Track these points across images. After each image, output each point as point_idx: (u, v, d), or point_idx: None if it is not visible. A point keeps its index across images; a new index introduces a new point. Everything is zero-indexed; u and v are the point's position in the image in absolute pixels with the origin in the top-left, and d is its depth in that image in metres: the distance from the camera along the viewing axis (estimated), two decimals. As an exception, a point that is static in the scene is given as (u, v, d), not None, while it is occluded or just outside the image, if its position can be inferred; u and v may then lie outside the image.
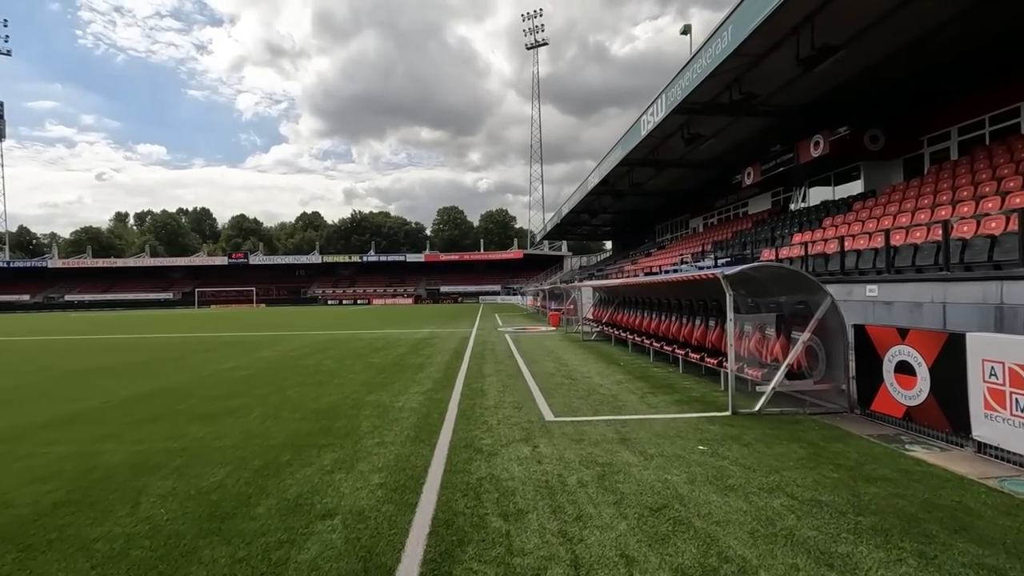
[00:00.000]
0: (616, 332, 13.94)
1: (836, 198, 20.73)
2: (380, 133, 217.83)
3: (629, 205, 37.39)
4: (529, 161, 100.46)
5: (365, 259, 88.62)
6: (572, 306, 22.97)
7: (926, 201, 13.43)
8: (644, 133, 21.36)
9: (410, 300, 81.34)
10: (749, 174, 23.42)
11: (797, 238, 16.83)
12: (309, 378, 9.63)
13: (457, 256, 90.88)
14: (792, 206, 24.72)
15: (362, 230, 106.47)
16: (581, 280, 37.52)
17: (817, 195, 22.53)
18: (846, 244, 12.86)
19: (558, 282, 48.43)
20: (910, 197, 14.48)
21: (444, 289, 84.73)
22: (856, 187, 19.83)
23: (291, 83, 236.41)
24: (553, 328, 21.47)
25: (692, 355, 8.86)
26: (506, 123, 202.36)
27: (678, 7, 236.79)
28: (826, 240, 14.49)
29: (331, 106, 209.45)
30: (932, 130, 17.21)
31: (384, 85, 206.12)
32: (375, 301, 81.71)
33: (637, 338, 12.10)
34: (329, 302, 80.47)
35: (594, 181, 30.97)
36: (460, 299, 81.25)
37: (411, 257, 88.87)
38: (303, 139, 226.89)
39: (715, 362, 8.00)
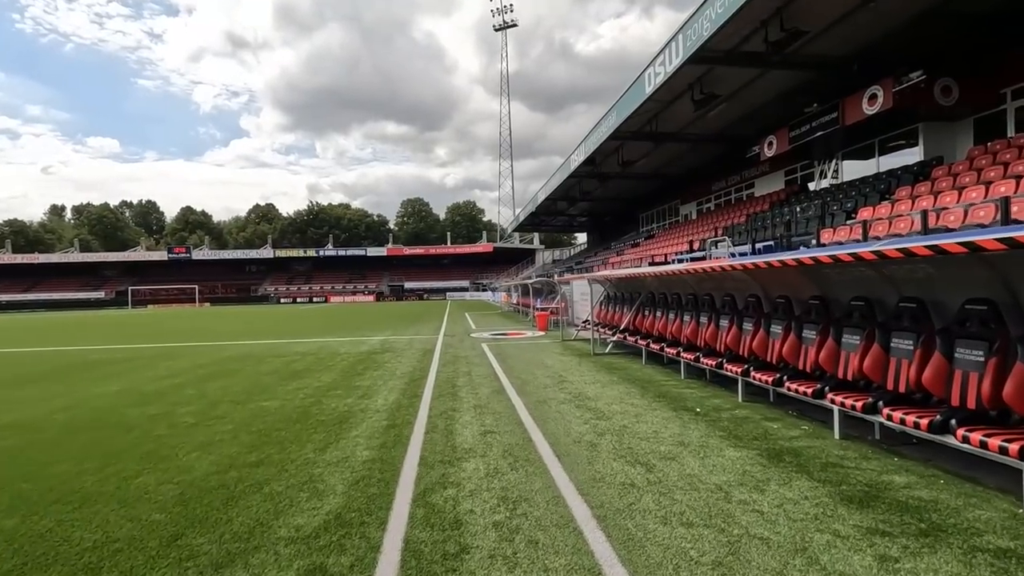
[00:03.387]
0: (647, 344, 9.61)
1: (881, 170, 17.03)
2: (345, 128, 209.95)
3: (611, 192, 33.45)
4: (498, 156, 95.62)
5: (322, 253, 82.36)
6: (562, 304, 18.64)
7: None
8: (649, 91, 17.17)
9: (371, 297, 75.84)
10: (771, 144, 19.50)
11: (864, 213, 12.89)
12: (104, 465, 5.00)
13: (422, 250, 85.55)
14: (813, 185, 21.06)
15: (320, 223, 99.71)
16: (562, 273, 33.27)
17: (851, 170, 18.82)
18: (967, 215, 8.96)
19: (533, 276, 44.16)
20: (1003, 161, 10.67)
21: (409, 285, 79.48)
22: (911, 156, 16.11)
23: (253, 75, 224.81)
24: (541, 332, 17.05)
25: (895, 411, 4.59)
26: (474, 119, 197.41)
27: (643, 6, 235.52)
28: (909, 215, 10.62)
29: (294, 100, 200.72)
30: (1021, 78, 13.52)
31: (349, 79, 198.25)
32: (333, 299, 75.83)
33: (689, 356, 7.81)
34: (282, 300, 74.22)
35: (577, 160, 26.75)
36: (426, 296, 76.19)
37: (372, 251, 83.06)
38: (265, 133, 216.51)
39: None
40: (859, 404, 4.51)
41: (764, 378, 5.91)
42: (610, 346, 11.22)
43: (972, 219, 9.05)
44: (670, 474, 4.07)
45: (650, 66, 16.88)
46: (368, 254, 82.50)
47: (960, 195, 10.55)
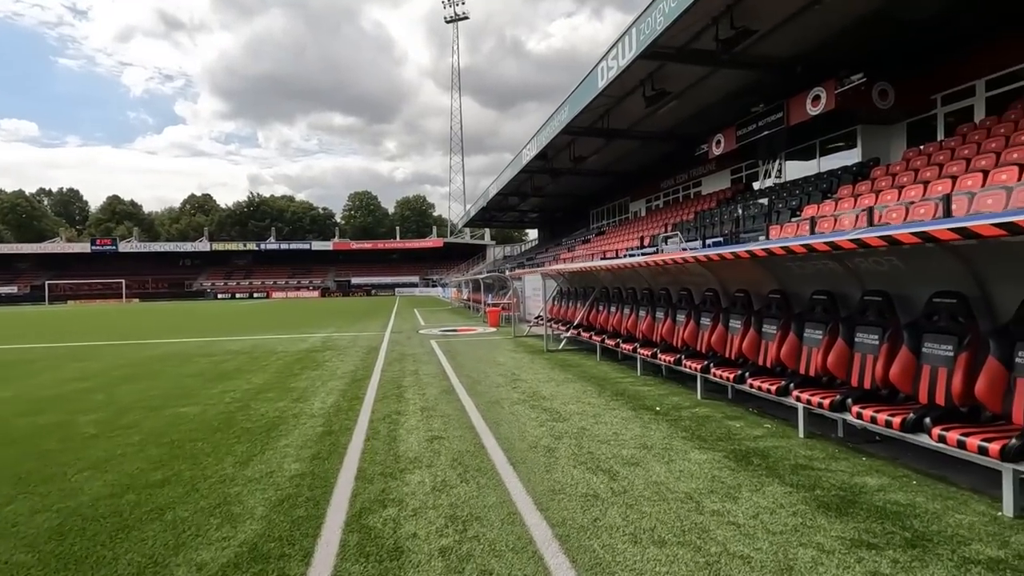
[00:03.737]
0: (602, 340, 9.36)
1: (822, 171, 17.58)
2: (289, 117, 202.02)
3: (563, 188, 33.42)
4: (449, 151, 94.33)
5: (264, 247, 78.80)
6: (513, 300, 18.28)
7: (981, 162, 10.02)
8: (601, 85, 17.05)
9: (316, 293, 73.25)
10: (719, 142, 19.82)
11: (810, 211, 13.16)
12: None
13: (370, 244, 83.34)
14: (757, 184, 21.60)
15: (261, 215, 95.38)
16: (513, 269, 32.96)
17: (794, 170, 19.37)
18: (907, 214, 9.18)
19: (484, 271, 43.68)
20: (938, 162, 11.11)
21: (356, 281, 77.27)
22: (850, 157, 16.70)
23: (189, 59, 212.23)
24: (493, 328, 16.62)
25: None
26: (424, 112, 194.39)
27: (593, 7, 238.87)
28: (853, 213, 10.86)
29: (234, 86, 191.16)
30: (950, 85, 14.18)
31: (294, 67, 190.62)
32: (275, 294, 72.79)
33: (646, 352, 7.58)
34: (220, 296, 70.51)
35: (529, 154, 26.47)
36: (374, 292, 74.29)
37: (318, 245, 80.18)
38: (203, 120, 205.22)
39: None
40: (826, 402, 4.32)
41: (725, 375, 5.70)
42: (564, 342, 10.92)
43: (913, 216, 9.28)
44: (636, 482, 3.72)
45: (603, 60, 16.74)
46: (313, 248, 79.59)
47: (900, 193, 10.86)
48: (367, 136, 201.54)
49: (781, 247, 4.66)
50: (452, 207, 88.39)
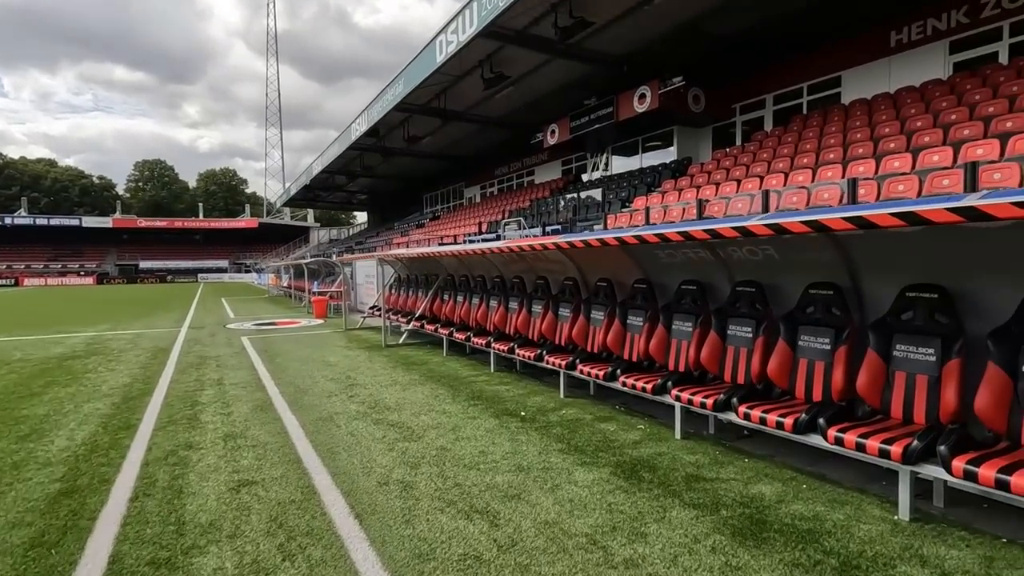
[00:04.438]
0: (450, 333, 8.51)
1: (644, 166, 18.91)
2: (51, 64, 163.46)
3: (396, 169, 31.84)
4: (265, 123, 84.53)
5: (12, 222, 62.37)
6: (343, 288, 16.54)
7: (783, 163, 11.44)
8: (440, 60, 16.11)
9: (91, 280, 60.48)
10: (553, 132, 20.22)
11: (639, 202, 13.84)
12: None
13: (166, 223, 71.19)
14: (586, 176, 22.65)
15: (7, 181, 75.51)
16: (341, 254, 30.41)
17: (619, 165, 20.58)
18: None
19: (307, 256, 39.89)
20: (743, 163, 12.53)
21: (146, 265, 65.66)
22: (667, 155, 18.13)
23: None
24: (320, 320, 14.69)
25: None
26: (234, 77, 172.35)
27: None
28: (680, 205, 11.66)
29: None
30: (747, 97, 16.10)
31: (59, 1, 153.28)
32: (29, 281, 58.42)
33: (502, 346, 6.93)
34: (-60, 283, 54.29)
35: (360, 129, 24.46)
36: (171, 278, 63.82)
37: (91, 221, 65.94)
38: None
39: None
40: (709, 401, 4.02)
41: (594, 372, 5.24)
42: (404, 335, 9.83)
43: (732, 210, 10.09)
44: (523, 525, 2.94)
45: (442, 33, 15.73)
46: (85, 225, 65.11)
47: (717, 189, 11.82)
48: (161, 97, 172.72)
49: (655, 234, 4.26)
50: (269, 184, 79.53)
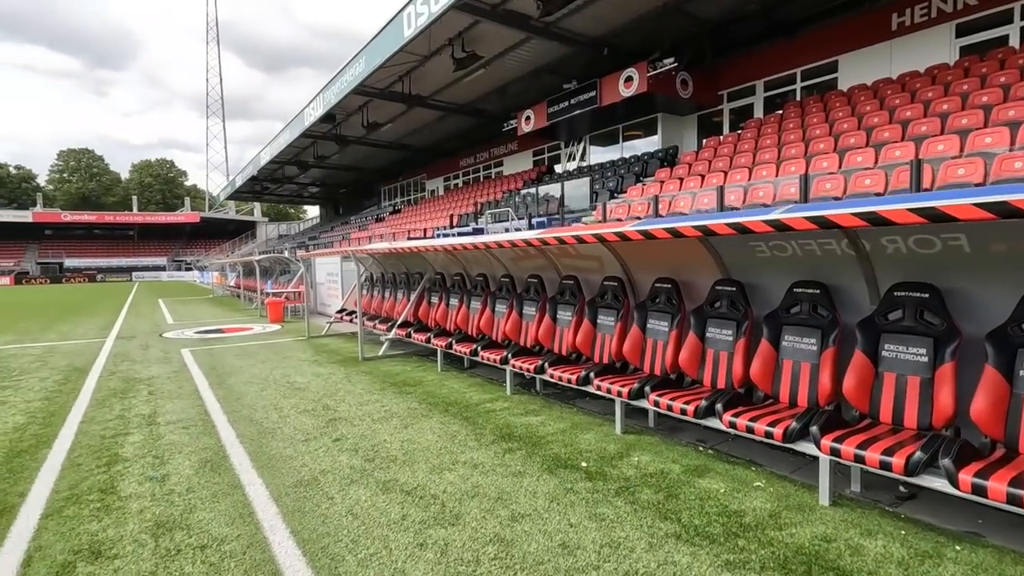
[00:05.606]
0: (448, 344, 7.04)
1: (625, 156, 17.89)
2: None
3: (351, 159, 29.82)
4: (205, 113, 79.15)
5: (-91, 216, 55.79)
6: (301, 288, 14.71)
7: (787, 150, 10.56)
8: (408, 34, 14.54)
9: (8, 280, 54.89)
10: (529, 119, 18.92)
11: (634, 191, 12.74)
12: None
13: (94, 217, 65.53)
14: (559, 167, 21.50)
15: (-95, 171, 67.70)
16: (294, 249, 28.08)
17: (597, 155, 19.50)
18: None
19: (257, 252, 37.05)
20: (744, 151, 11.64)
21: (72, 263, 60.27)
22: (651, 144, 17.16)
23: None
24: (276, 326, 12.80)
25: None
26: (171, 64, 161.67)
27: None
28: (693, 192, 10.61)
29: None
30: (735, 83, 15.27)
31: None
32: (-67, 282, 52.41)
33: (527, 364, 5.50)
34: None
35: (314, 115, 22.41)
36: (100, 277, 58.78)
37: (7, 215, 59.85)
38: None
39: None
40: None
41: (678, 405, 3.93)
42: (386, 346, 8.25)
43: (752, 199, 9.10)
44: None
45: (411, 3, 14.11)
46: (0, 219, 59.08)
47: (726, 177, 10.83)
48: (88, 83, 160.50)
49: (765, 220, 2.98)
50: (211, 177, 74.59)
